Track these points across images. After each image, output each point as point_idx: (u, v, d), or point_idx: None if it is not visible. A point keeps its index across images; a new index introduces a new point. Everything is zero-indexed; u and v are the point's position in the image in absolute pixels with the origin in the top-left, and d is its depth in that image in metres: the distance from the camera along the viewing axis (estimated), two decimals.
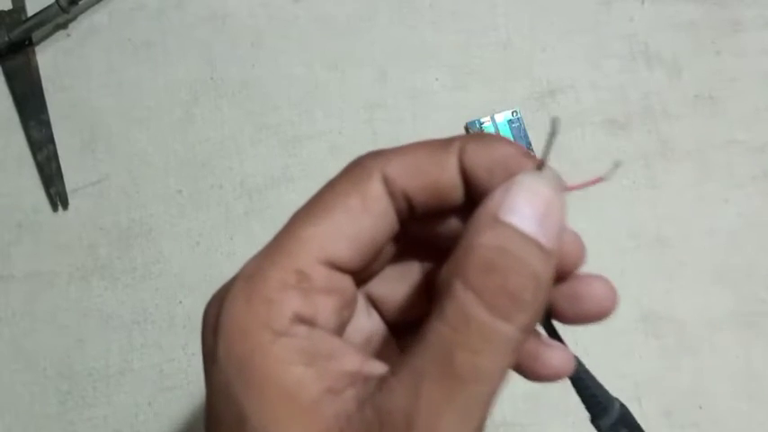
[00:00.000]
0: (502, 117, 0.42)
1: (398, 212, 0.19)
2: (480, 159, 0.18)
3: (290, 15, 0.45)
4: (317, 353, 0.17)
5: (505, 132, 0.42)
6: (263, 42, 0.44)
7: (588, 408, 0.26)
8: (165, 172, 0.42)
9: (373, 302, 0.21)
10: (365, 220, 0.18)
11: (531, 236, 0.16)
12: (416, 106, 0.42)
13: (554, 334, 0.21)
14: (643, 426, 0.37)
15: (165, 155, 0.42)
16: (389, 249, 0.20)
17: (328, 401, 0.16)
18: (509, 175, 0.17)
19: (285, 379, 0.16)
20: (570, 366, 0.20)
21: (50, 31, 0.45)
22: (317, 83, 0.43)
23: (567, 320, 0.19)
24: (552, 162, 0.40)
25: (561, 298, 0.19)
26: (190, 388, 0.37)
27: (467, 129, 0.42)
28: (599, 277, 0.19)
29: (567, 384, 0.40)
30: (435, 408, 0.15)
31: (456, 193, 0.18)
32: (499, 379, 0.16)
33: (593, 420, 0.26)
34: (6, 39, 0.43)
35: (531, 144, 0.41)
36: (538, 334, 0.20)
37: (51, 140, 0.42)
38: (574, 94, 0.43)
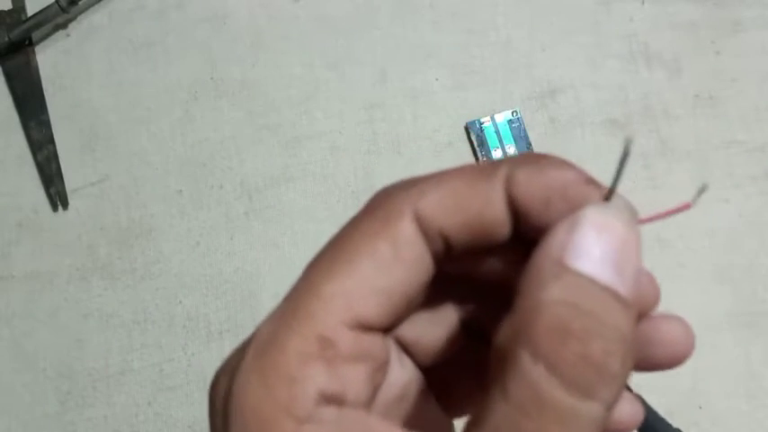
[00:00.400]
0: (502, 117, 0.42)
1: (434, 255, 0.16)
2: (533, 188, 0.15)
3: (290, 15, 0.44)
4: None
5: (505, 132, 0.42)
6: (263, 42, 0.44)
7: None
8: (165, 172, 0.42)
9: (404, 347, 0.18)
10: (397, 270, 0.15)
11: (609, 286, 0.13)
12: (416, 106, 0.42)
13: None
14: None
15: (165, 155, 0.42)
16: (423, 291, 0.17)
17: None
18: (570, 207, 0.14)
19: None
20: (640, 417, 0.17)
21: (50, 31, 0.45)
22: (317, 83, 0.43)
23: (635, 368, 0.16)
24: None
25: None
26: (190, 388, 0.37)
27: (467, 129, 0.42)
28: (673, 318, 0.16)
29: None
30: None
31: (503, 228, 0.15)
32: None
33: None
34: (6, 39, 0.43)
35: (531, 145, 0.41)
36: None
37: (51, 140, 0.42)
38: (574, 95, 0.43)
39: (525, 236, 0.15)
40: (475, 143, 0.41)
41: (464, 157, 0.42)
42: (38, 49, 0.44)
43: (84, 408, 0.37)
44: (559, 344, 0.12)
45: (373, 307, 0.15)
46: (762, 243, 0.40)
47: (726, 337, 0.38)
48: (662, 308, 0.43)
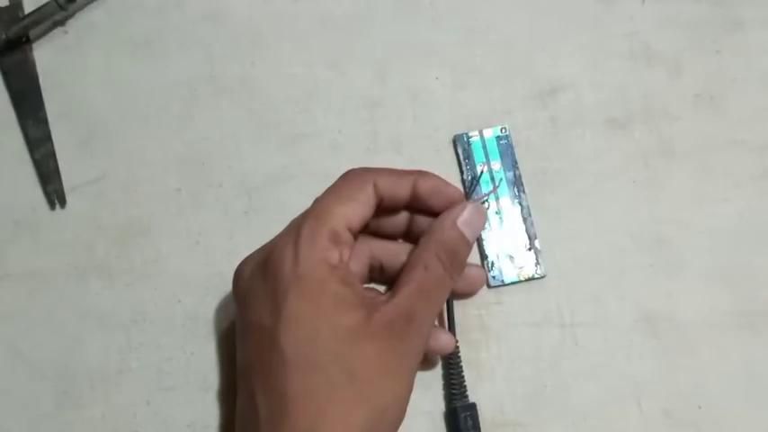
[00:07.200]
0: (490, 132, 0.41)
1: (376, 205, 0.33)
2: (428, 186, 0.34)
3: (289, 13, 0.44)
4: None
5: (492, 148, 0.41)
6: (263, 40, 0.44)
7: (455, 388, 0.35)
8: (164, 170, 0.41)
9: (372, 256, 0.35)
10: (365, 209, 0.32)
11: (468, 238, 0.33)
12: (416, 105, 0.42)
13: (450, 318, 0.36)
14: (642, 426, 0.37)
15: (164, 153, 0.42)
16: (401, 220, 0.35)
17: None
18: (447, 199, 0.33)
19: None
20: (451, 347, 0.35)
21: (48, 28, 0.44)
22: (317, 81, 0.43)
23: (464, 291, 0.37)
24: (554, 162, 0.40)
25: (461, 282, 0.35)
26: (189, 387, 0.37)
27: (454, 142, 0.41)
28: (478, 266, 0.38)
29: (566, 385, 0.40)
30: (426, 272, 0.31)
31: (404, 199, 0.34)
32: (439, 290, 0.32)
33: (453, 401, 0.35)
34: (3, 36, 0.43)
35: (516, 162, 0.40)
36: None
37: (49, 138, 0.42)
38: (574, 94, 0.43)
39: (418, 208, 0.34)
40: (461, 156, 0.41)
41: None
42: (35, 46, 0.44)
43: (81, 408, 0.37)
44: (445, 253, 0.32)
45: (353, 220, 0.31)
46: (762, 243, 0.40)
47: (726, 337, 0.38)
48: (663, 306, 0.43)
